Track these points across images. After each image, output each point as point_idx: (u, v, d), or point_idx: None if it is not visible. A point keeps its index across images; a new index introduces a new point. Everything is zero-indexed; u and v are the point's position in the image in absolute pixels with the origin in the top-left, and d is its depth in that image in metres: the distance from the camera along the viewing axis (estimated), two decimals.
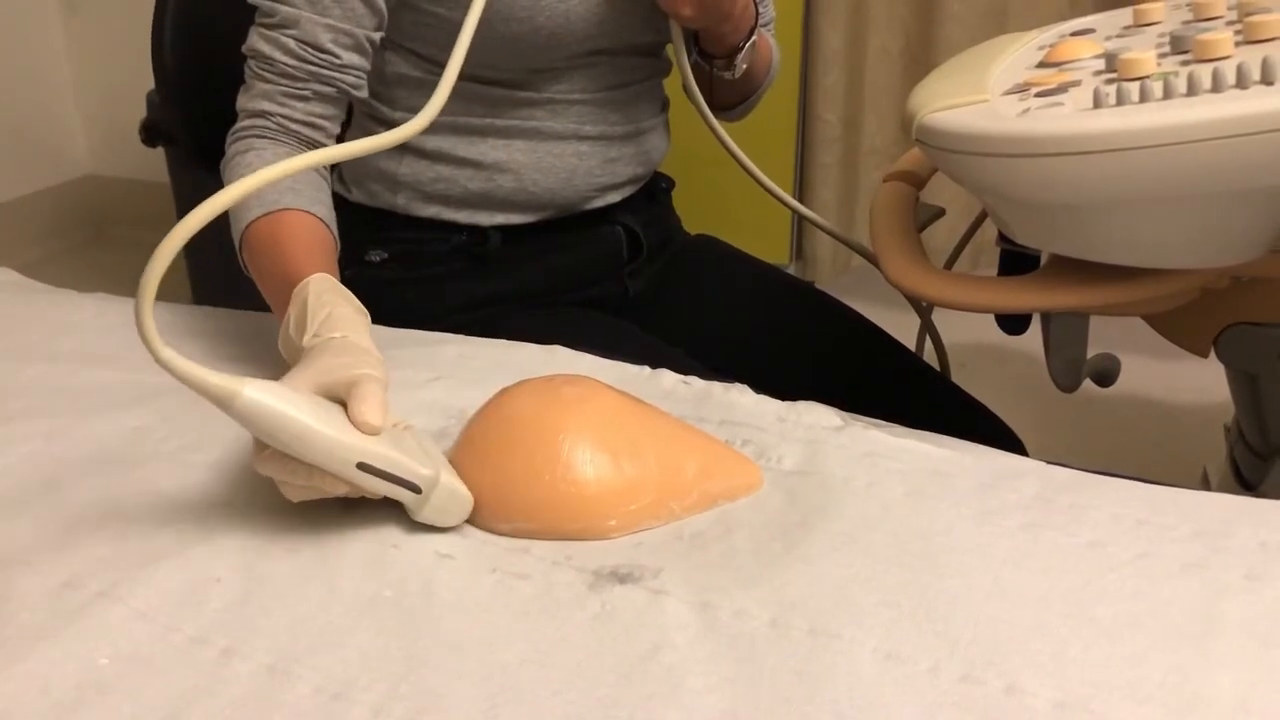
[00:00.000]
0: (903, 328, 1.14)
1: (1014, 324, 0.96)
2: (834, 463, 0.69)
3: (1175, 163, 0.68)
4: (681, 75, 1.02)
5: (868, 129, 2.19)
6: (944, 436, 0.75)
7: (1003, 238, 0.89)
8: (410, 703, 0.51)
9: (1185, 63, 0.75)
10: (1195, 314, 0.89)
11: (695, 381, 0.81)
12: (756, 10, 1.02)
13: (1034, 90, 0.77)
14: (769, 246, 2.23)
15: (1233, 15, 0.84)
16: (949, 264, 1.17)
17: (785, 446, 0.71)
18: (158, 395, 0.79)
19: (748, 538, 0.62)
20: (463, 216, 1.02)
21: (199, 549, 0.62)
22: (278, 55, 0.89)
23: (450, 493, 0.63)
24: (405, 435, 0.65)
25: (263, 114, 0.90)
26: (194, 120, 1.27)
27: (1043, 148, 0.70)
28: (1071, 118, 0.71)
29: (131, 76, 2.11)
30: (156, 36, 1.25)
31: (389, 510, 0.65)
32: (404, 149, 1.00)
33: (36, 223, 2.76)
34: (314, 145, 0.92)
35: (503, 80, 0.98)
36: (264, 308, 0.85)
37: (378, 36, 0.93)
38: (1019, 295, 0.84)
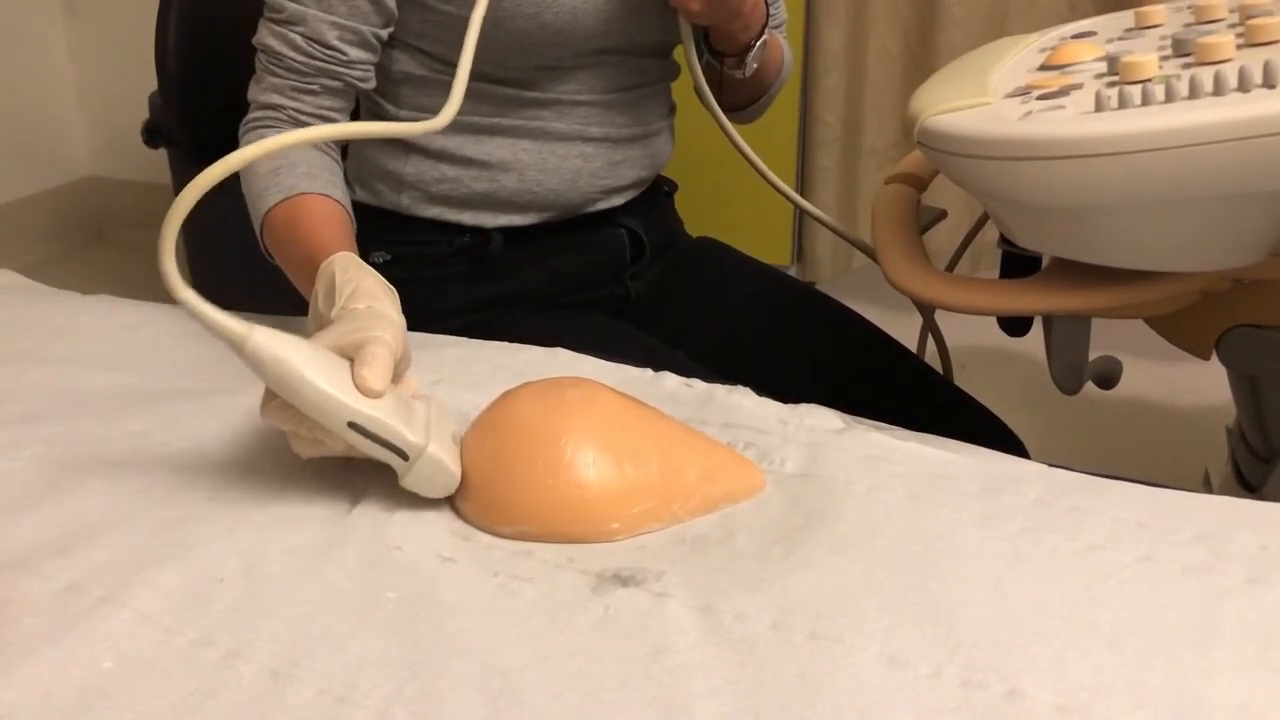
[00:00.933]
0: (904, 330, 1.14)
1: (1015, 326, 0.96)
2: (836, 466, 0.69)
3: (1177, 166, 0.68)
4: (692, 74, 1.02)
5: (868, 131, 2.19)
6: (946, 439, 0.75)
7: (1004, 240, 0.89)
8: (413, 706, 0.51)
9: (1187, 66, 0.75)
10: (1197, 316, 0.89)
11: (697, 384, 0.81)
12: (768, 10, 1.02)
13: (1036, 93, 0.77)
14: (769, 248, 2.23)
15: (1234, 18, 0.84)
16: (950, 266, 1.17)
17: (787, 449, 0.72)
18: (159, 399, 0.79)
19: (750, 541, 0.63)
20: (466, 218, 1.02)
21: (201, 551, 0.62)
22: (286, 51, 0.92)
23: (436, 465, 0.64)
24: (417, 404, 0.66)
25: (275, 106, 0.93)
26: (196, 122, 1.27)
27: (1044, 151, 0.70)
28: (1073, 121, 0.71)
29: (133, 78, 2.12)
30: (159, 38, 1.25)
31: (392, 513, 0.65)
32: (409, 148, 1.01)
33: (38, 224, 2.76)
34: None
35: (510, 79, 0.98)
36: (264, 309, 0.85)
37: (385, 33, 0.95)
38: (1020, 297, 0.84)
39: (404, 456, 0.63)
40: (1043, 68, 0.84)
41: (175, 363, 0.87)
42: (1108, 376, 0.98)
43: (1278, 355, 0.90)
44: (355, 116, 1.03)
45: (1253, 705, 0.49)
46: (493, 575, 0.60)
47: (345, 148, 1.02)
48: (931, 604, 0.56)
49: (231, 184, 1.22)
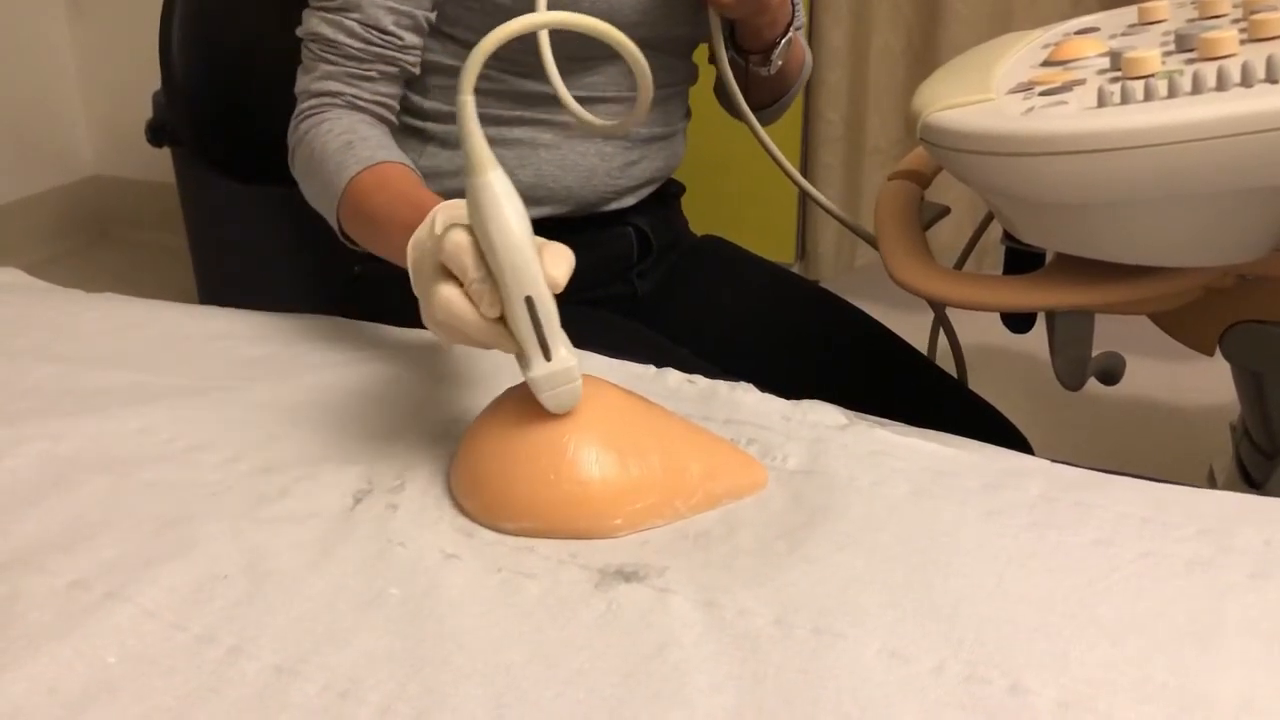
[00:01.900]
0: (907, 327, 1.14)
1: (1019, 322, 0.96)
2: (839, 462, 0.69)
3: (1180, 162, 0.68)
4: (719, 69, 1.02)
5: (871, 128, 2.19)
6: (949, 435, 0.75)
7: (1007, 236, 0.89)
8: (417, 702, 0.51)
9: (1190, 61, 0.75)
10: (1200, 312, 0.89)
11: (700, 380, 0.81)
12: (793, 8, 1.02)
13: (1039, 89, 0.77)
14: (774, 246, 2.23)
15: (1237, 13, 0.84)
16: (958, 265, 1.17)
17: (790, 445, 0.72)
18: (164, 396, 0.80)
19: (752, 537, 0.63)
20: None
21: (205, 548, 0.62)
22: (341, 38, 0.91)
23: (571, 380, 0.63)
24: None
25: (331, 94, 0.92)
26: (200, 121, 1.27)
27: (1047, 147, 0.70)
28: (1076, 116, 0.71)
29: (137, 77, 2.12)
30: (164, 37, 1.25)
31: (395, 510, 0.65)
32: (427, 139, 1.01)
33: (42, 223, 2.77)
34: (384, 120, 0.95)
35: (538, 72, 0.98)
36: (265, 308, 0.85)
37: (433, 16, 0.95)
38: (1024, 294, 0.84)
39: (547, 356, 0.62)
40: (1046, 63, 0.84)
41: (179, 360, 0.87)
42: (1111, 372, 0.98)
43: None
44: None
45: (1256, 700, 0.49)
46: (495, 571, 0.60)
47: None
48: (934, 599, 0.56)
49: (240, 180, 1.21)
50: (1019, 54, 0.89)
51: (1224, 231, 0.75)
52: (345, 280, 1.07)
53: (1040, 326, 0.95)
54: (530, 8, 0.87)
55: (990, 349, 1.78)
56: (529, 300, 0.61)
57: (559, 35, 0.94)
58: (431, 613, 0.57)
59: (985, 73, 0.84)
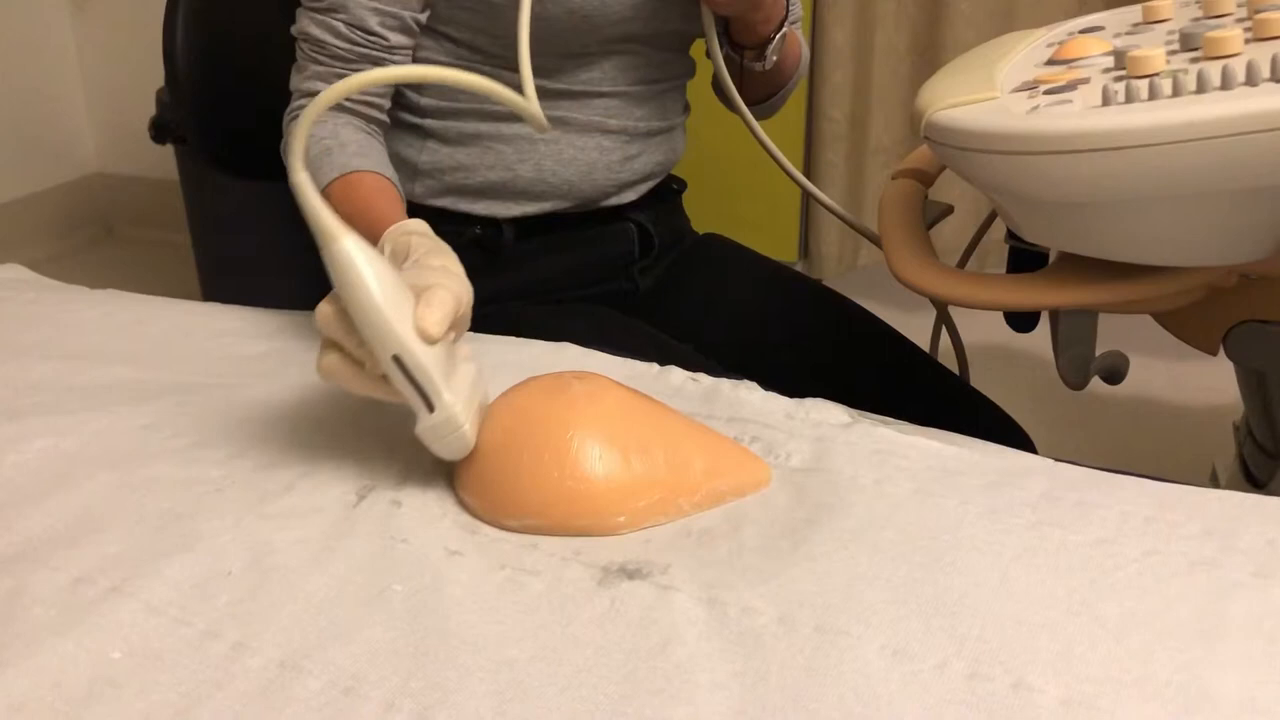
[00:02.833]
0: (909, 325, 1.14)
1: (1022, 321, 0.96)
2: (842, 460, 0.69)
3: (1184, 161, 0.68)
4: (714, 64, 1.02)
5: (874, 127, 2.19)
6: (952, 434, 0.75)
7: (1011, 235, 0.89)
8: (420, 698, 0.51)
9: (1195, 60, 0.75)
10: (1204, 311, 0.89)
11: (703, 378, 0.81)
12: (788, 3, 1.03)
13: (1043, 88, 0.77)
14: (776, 244, 2.23)
15: (1242, 12, 0.83)
16: (961, 263, 1.17)
17: (793, 443, 0.72)
18: (167, 393, 0.80)
19: (756, 535, 0.63)
20: (479, 208, 1.02)
21: (209, 543, 0.62)
22: (328, 38, 0.92)
23: (455, 428, 0.64)
24: (462, 366, 0.67)
25: (319, 93, 0.92)
26: (204, 118, 1.28)
27: (1052, 145, 0.70)
28: (1080, 115, 0.70)
29: (141, 74, 2.12)
30: (167, 34, 1.26)
31: (398, 506, 0.65)
32: (427, 135, 1.01)
33: (45, 220, 2.77)
34: (372, 120, 0.96)
35: (534, 67, 0.98)
36: (269, 304, 0.86)
37: (423, 16, 0.95)
38: (1027, 292, 0.84)
39: (430, 408, 0.63)
40: (1050, 62, 0.84)
41: (183, 357, 0.88)
42: (1114, 372, 0.98)
43: None
44: None
45: (1259, 699, 0.49)
46: (499, 568, 0.60)
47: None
48: (938, 597, 0.56)
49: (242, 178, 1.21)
50: (1023, 53, 0.89)
51: (1228, 231, 0.75)
52: None
53: (1044, 325, 0.95)
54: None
55: (993, 348, 1.78)
56: (396, 359, 0.62)
57: (553, 30, 0.94)
58: (435, 609, 0.57)
59: (989, 71, 0.84)
